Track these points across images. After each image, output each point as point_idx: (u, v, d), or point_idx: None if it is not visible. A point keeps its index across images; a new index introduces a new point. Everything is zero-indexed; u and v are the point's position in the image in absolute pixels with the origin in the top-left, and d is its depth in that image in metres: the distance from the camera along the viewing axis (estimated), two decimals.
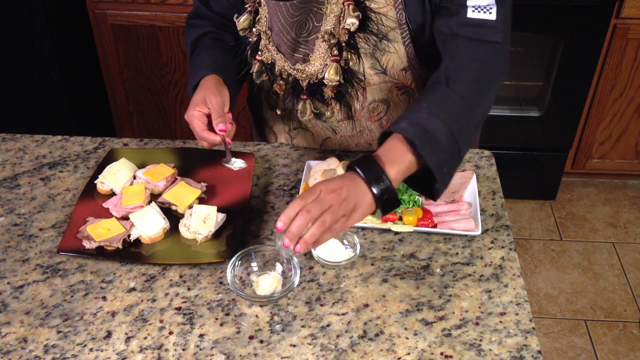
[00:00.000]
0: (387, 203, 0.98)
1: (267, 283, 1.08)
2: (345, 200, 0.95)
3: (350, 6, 1.16)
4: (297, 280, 1.07)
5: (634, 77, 2.48)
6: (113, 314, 1.06)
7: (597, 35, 2.34)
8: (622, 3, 2.29)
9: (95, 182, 1.28)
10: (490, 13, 1.09)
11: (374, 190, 0.97)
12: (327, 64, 1.22)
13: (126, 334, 1.03)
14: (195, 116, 1.19)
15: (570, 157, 2.72)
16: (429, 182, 1.03)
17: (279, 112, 1.37)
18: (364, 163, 0.98)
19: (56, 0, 2.35)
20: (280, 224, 0.94)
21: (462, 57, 1.09)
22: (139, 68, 2.52)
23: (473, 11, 1.09)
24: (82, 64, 2.57)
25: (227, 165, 1.29)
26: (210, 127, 1.19)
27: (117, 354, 1.00)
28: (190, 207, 1.22)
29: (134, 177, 1.30)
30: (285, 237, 0.94)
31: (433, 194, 1.05)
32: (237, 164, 1.29)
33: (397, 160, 0.99)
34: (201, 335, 1.03)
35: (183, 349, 1.00)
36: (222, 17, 1.35)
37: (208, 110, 1.19)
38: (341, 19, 1.18)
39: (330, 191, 0.95)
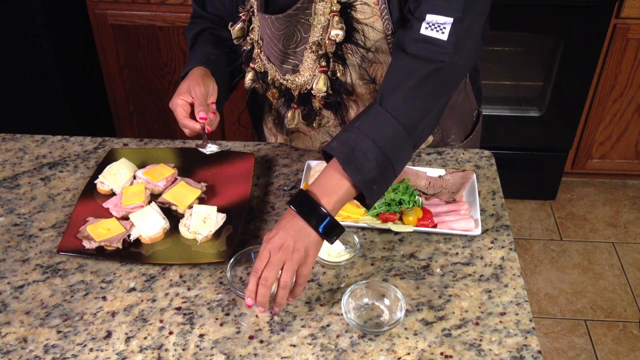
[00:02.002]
0: (331, 234, 1.02)
1: None
2: (295, 251, 0.99)
3: (335, 17, 1.16)
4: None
5: (634, 77, 2.48)
6: (113, 314, 1.06)
7: (597, 35, 2.34)
8: (622, 3, 2.29)
9: (95, 182, 1.28)
10: (443, 33, 1.08)
11: (316, 227, 1.00)
12: (315, 75, 1.23)
13: (126, 334, 1.03)
14: (178, 104, 1.22)
15: (570, 157, 2.72)
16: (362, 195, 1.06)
17: (270, 119, 1.38)
18: (300, 202, 1.02)
19: (56, 0, 2.35)
20: (249, 300, 1.00)
21: (399, 74, 1.09)
22: (139, 68, 2.52)
23: (426, 28, 1.08)
24: (82, 64, 2.57)
25: (200, 149, 1.28)
26: (193, 116, 1.22)
27: (117, 354, 1.00)
28: (190, 207, 1.22)
29: (134, 177, 1.30)
30: (248, 298, 1.00)
31: (365, 205, 1.08)
32: (210, 148, 1.29)
33: (333, 190, 1.02)
34: (201, 335, 1.03)
35: (183, 349, 1.00)
36: (217, 17, 1.37)
37: (191, 100, 1.22)
38: (328, 30, 1.18)
39: (278, 249, 0.99)
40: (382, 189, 1.06)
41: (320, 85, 1.22)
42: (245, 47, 1.31)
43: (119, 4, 2.36)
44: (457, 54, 1.08)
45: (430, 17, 1.08)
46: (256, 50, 1.29)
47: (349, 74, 1.23)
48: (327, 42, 1.19)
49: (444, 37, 1.08)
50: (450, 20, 1.07)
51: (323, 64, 1.21)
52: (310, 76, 1.24)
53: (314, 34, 1.19)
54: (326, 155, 1.06)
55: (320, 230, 1.01)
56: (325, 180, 1.03)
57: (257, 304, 1.00)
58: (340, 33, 1.16)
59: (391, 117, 1.05)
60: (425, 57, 1.08)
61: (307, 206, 1.01)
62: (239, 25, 1.28)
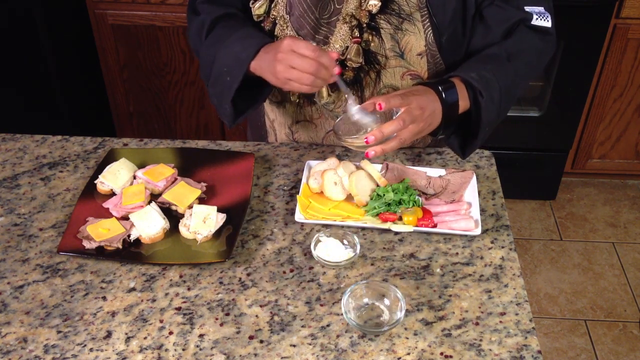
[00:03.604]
0: (449, 126, 1.18)
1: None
2: (424, 120, 1.12)
3: None
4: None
5: (634, 77, 2.48)
6: (113, 314, 1.06)
7: (597, 35, 2.34)
8: (622, 3, 2.29)
9: (95, 182, 1.28)
10: (548, 21, 1.23)
11: (445, 114, 1.14)
12: (348, 46, 1.24)
13: (126, 334, 1.03)
14: (300, 39, 1.13)
15: (570, 157, 2.72)
16: (463, 139, 1.21)
17: (293, 99, 1.36)
18: (448, 89, 1.15)
19: (56, 0, 2.35)
20: (372, 138, 1.09)
21: (528, 43, 1.22)
22: (139, 68, 2.52)
23: (537, 18, 1.22)
24: (82, 64, 2.57)
25: (348, 112, 1.18)
26: None
27: (117, 354, 1.00)
28: (190, 207, 1.22)
29: (134, 177, 1.30)
30: (371, 134, 1.09)
31: (464, 152, 1.23)
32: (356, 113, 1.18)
33: (464, 98, 1.17)
34: (201, 335, 1.03)
35: (183, 349, 1.00)
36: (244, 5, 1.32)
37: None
38: (362, 0, 1.19)
39: (420, 108, 1.11)
40: (487, 134, 1.20)
41: (354, 56, 1.24)
42: (266, 27, 1.28)
43: (119, 4, 2.36)
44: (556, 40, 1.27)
45: (529, 9, 1.23)
46: (279, 27, 1.27)
47: (382, 45, 1.24)
48: (361, 12, 1.20)
49: (549, 24, 1.24)
50: (542, 9, 1.24)
51: (356, 34, 1.22)
52: (341, 48, 1.24)
53: (348, 5, 1.21)
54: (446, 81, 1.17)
55: (444, 121, 1.15)
56: (460, 89, 1.16)
57: (378, 134, 1.09)
58: (378, 3, 1.19)
59: (515, 75, 1.21)
60: (544, 40, 1.25)
61: (453, 100, 1.15)
62: (260, 2, 1.26)
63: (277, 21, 1.27)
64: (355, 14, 1.21)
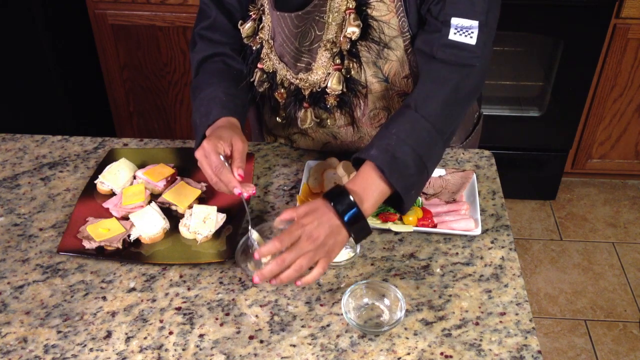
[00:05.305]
0: (360, 236, 1.05)
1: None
2: (322, 245, 1.00)
3: (352, 15, 1.16)
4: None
5: (634, 77, 2.48)
6: (113, 314, 1.06)
7: (597, 35, 2.34)
8: (622, 3, 2.29)
9: (95, 182, 1.28)
10: (471, 37, 1.10)
11: (349, 228, 1.02)
12: (329, 73, 1.22)
13: (126, 334, 1.03)
14: (215, 149, 1.10)
15: (570, 157, 2.72)
16: (397, 200, 1.08)
17: (279, 120, 1.37)
18: (340, 200, 1.02)
19: (56, 0, 2.35)
20: (257, 255, 1.00)
21: (433, 81, 1.11)
22: (139, 68, 2.52)
23: (455, 33, 1.10)
24: (82, 64, 2.57)
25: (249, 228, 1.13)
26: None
27: (117, 354, 1.00)
28: (190, 207, 1.22)
29: (134, 177, 1.30)
30: (256, 275, 0.99)
31: (401, 211, 1.11)
32: (254, 235, 1.12)
33: (371, 193, 1.04)
34: (201, 335, 1.03)
35: (183, 349, 1.00)
36: (233, 39, 1.30)
37: (229, 151, 1.12)
38: (343, 27, 1.18)
39: (308, 238, 0.99)
40: (418, 192, 1.09)
41: (334, 83, 1.22)
42: (255, 47, 1.28)
43: (119, 4, 2.36)
44: (484, 57, 1.11)
45: (455, 21, 1.10)
46: (265, 50, 1.27)
47: (363, 72, 1.23)
48: (342, 39, 1.19)
49: (473, 41, 1.10)
50: (475, 23, 1.10)
51: (337, 61, 1.21)
52: (323, 74, 1.23)
53: (328, 32, 1.19)
54: (359, 162, 1.08)
55: (353, 233, 1.03)
56: (364, 181, 1.05)
57: (259, 275, 0.99)
58: (357, 30, 1.16)
59: (428, 124, 1.07)
60: (457, 63, 1.11)
61: (347, 206, 1.02)
62: (249, 24, 1.26)
63: (263, 44, 1.27)
64: (335, 41, 1.19)
